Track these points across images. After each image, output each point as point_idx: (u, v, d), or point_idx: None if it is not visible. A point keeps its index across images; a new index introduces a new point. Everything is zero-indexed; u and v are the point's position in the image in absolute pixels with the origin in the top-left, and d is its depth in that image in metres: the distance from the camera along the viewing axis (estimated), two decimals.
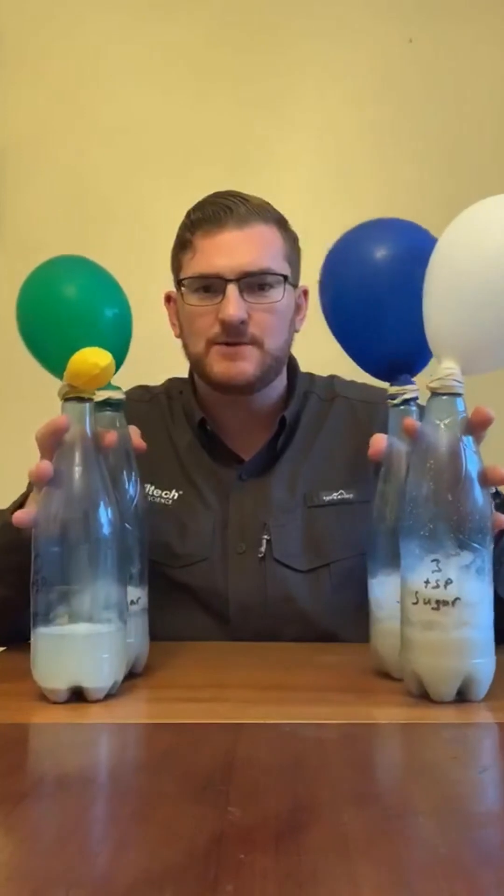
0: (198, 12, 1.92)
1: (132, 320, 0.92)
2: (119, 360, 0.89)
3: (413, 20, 1.92)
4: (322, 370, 1.21)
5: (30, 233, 1.88)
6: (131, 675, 0.78)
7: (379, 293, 0.86)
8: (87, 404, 0.75)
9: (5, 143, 1.91)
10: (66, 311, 0.87)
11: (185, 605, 1.07)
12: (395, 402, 0.82)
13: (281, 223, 1.08)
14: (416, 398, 0.82)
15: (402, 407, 0.81)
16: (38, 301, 0.89)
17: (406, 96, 1.92)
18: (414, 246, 0.82)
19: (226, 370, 1.04)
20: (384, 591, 0.80)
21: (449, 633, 0.69)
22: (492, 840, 0.43)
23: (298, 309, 1.13)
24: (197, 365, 1.09)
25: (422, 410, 0.79)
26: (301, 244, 1.13)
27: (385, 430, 0.83)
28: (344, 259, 0.90)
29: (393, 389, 0.82)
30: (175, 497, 1.10)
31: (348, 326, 0.91)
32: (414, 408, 0.81)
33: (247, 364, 1.04)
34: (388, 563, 0.79)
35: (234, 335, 1.03)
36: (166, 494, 1.10)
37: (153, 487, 1.10)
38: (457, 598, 0.69)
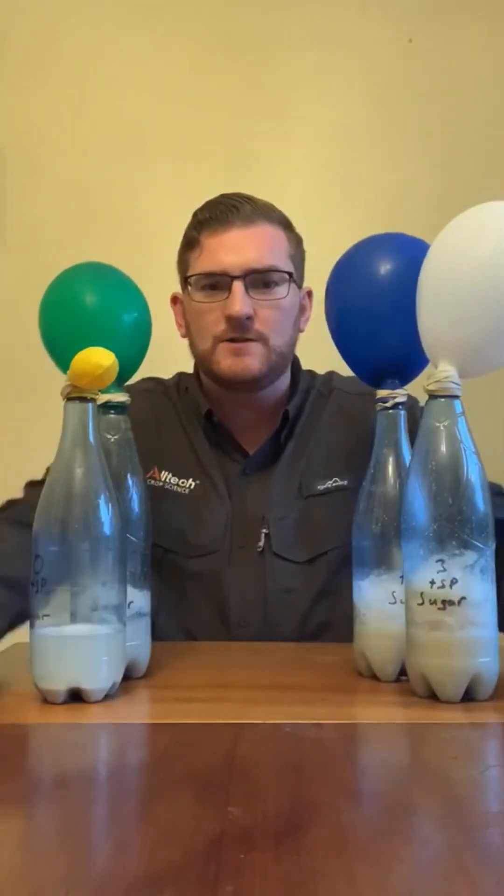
0: (197, 18, 1.92)
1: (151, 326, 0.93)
2: (134, 366, 0.89)
3: (412, 20, 1.92)
4: (322, 370, 1.22)
5: (30, 232, 1.88)
6: (129, 678, 0.78)
7: (380, 305, 0.86)
8: (90, 404, 0.75)
9: (5, 143, 1.91)
10: (88, 318, 0.88)
11: (193, 595, 1.08)
12: (387, 405, 0.82)
13: (285, 224, 1.10)
14: (405, 402, 0.83)
15: (391, 410, 0.82)
16: (61, 307, 0.89)
17: (404, 101, 1.91)
18: (416, 261, 0.83)
19: (232, 366, 1.05)
20: (373, 593, 0.80)
21: (455, 632, 0.69)
22: (492, 840, 0.43)
23: (303, 310, 1.14)
24: (203, 362, 1.10)
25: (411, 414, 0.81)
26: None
27: None
28: (349, 272, 0.91)
29: (383, 393, 0.83)
30: (192, 486, 1.11)
31: (350, 334, 0.91)
32: (402, 411, 0.82)
33: (252, 360, 1.05)
34: (377, 564, 0.80)
35: (239, 330, 1.04)
36: (183, 483, 1.11)
37: (170, 475, 1.11)
38: (462, 598, 0.69)
